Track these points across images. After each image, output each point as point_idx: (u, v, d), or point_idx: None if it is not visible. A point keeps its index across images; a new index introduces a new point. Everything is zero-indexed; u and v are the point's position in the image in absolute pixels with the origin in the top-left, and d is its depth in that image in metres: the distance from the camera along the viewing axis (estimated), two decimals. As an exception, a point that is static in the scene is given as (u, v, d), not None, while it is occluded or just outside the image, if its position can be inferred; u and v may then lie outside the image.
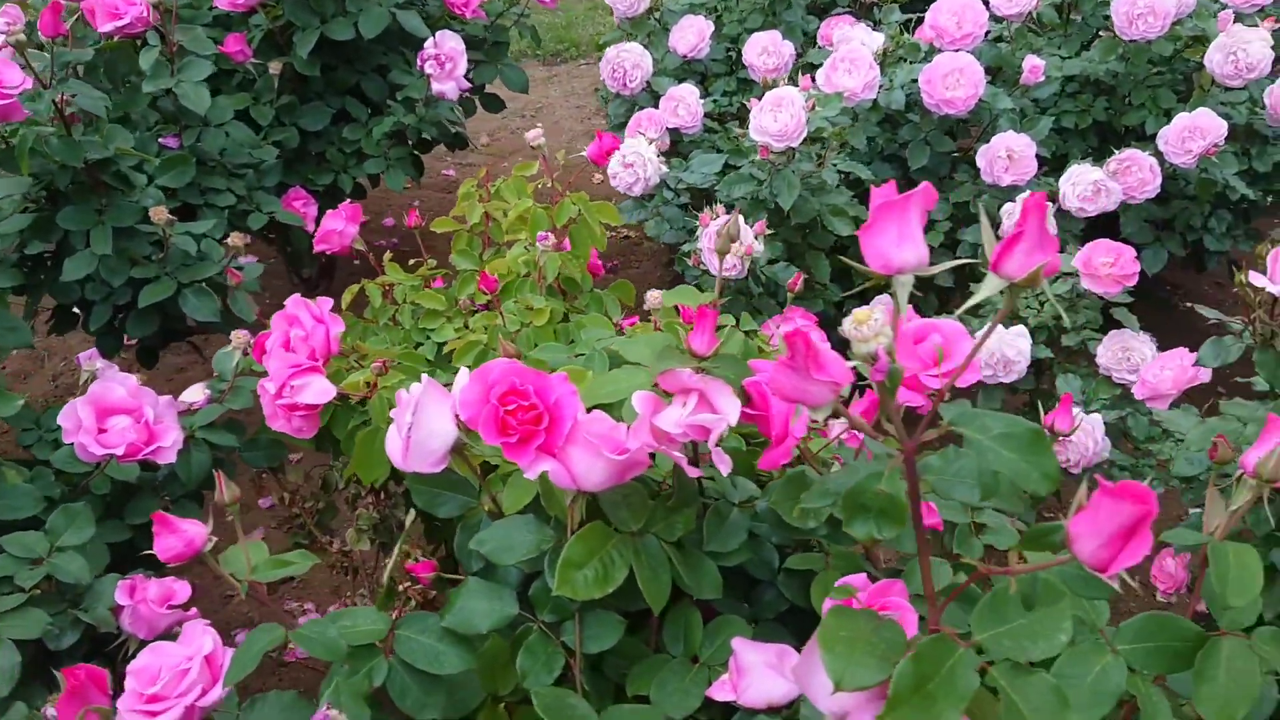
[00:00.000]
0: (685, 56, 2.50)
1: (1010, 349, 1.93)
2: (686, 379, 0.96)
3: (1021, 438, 0.66)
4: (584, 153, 1.90)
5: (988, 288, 0.65)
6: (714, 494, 1.11)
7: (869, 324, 0.63)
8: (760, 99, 1.86)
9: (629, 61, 2.41)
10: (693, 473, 0.98)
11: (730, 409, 0.94)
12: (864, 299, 2.31)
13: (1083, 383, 1.93)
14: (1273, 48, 2.32)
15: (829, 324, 2.40)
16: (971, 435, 0.67)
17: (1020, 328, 1.96)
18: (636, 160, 2.03)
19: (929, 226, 2.30)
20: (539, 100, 4.68)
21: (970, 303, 0.66)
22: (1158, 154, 2.20)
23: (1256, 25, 2.20)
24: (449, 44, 2.23)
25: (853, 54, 2.09)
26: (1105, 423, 1.85)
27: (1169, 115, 2.29)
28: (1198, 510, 1.49)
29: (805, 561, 1.14)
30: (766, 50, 2.38)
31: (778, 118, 1.84)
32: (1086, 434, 1.83)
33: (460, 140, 2.59)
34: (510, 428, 0.94)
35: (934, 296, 2.39)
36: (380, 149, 2.40)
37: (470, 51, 2.73)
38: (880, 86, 2.21)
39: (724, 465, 0.96)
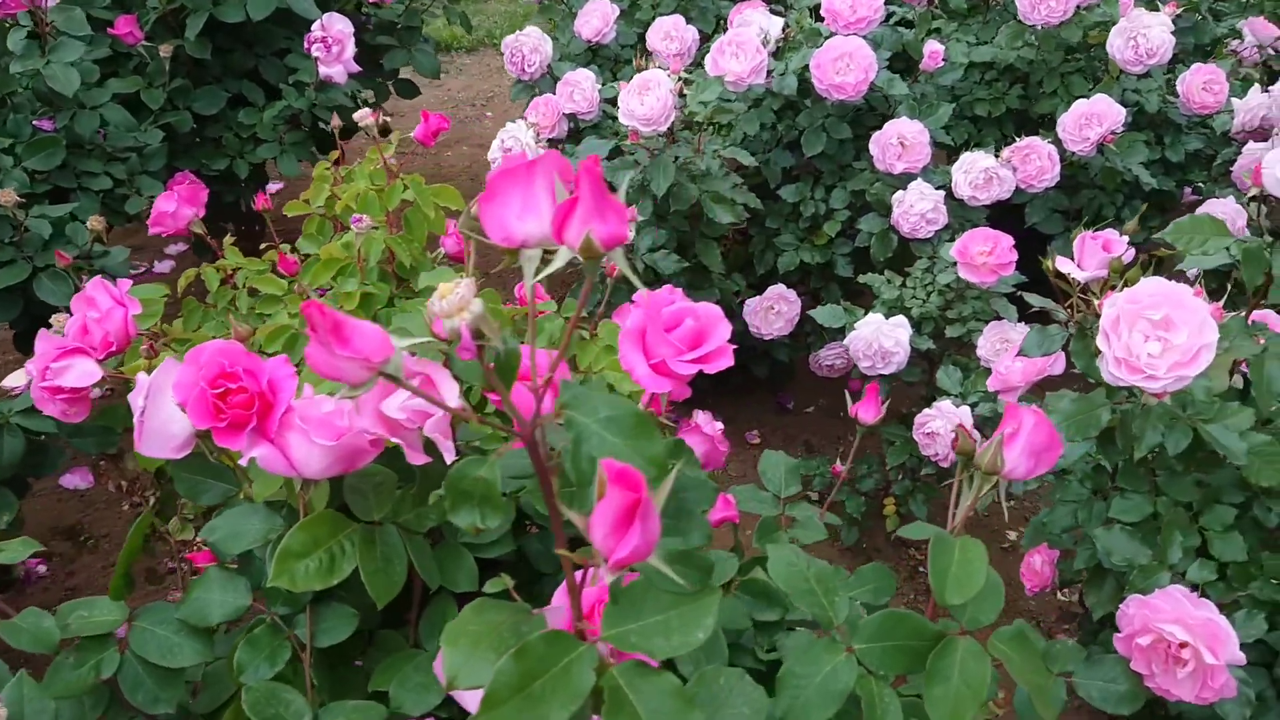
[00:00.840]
0: (590, 41, 2.46)
1: (888, 339, 1.89)
2: (411, 362, 0.92)
3: (625, 421, 0.62)
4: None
5: (560, 258, 0.61)
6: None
7: (450, 298, 0.58)
8: (628, 82, 1.82)
9: (527, 46, 2.36)
10: (416, 459, 0.94)
11: (450, 393, 0.90)
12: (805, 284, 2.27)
13: (963, 375, 1.89)
14: (1174, 33, 2.27)
15: (730, 315, 2.36)
16: (578, 418, 0.62)
17: (900, 318, 1.91)
18: (514, 145, 1.99)
19: (827, 215, 2.27)
20: (491, 89, 4.64)
21: (546, 271, 0.62)
22: (1058, 141, 2.15)
23: (1158, 9, 2.14)
24: (336, 26, 2.19)
25: (739, 38, 2.04)
26: (985, 416, 1.81)
27: (1082, 103, 2.25)
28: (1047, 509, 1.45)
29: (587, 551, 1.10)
30: (669, 35, 2.33)
31: (644, 101, 1.80)
32: (953, 425, 1.78)
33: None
34: (220, 412, 0.90)
35: (836, 286, 2.34)
36: (275, 133, 2.36)
37: (383, 36, 2.70)
38: (776, 72, 2.16)
39: (448, 453, 0.92)
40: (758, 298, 2.21)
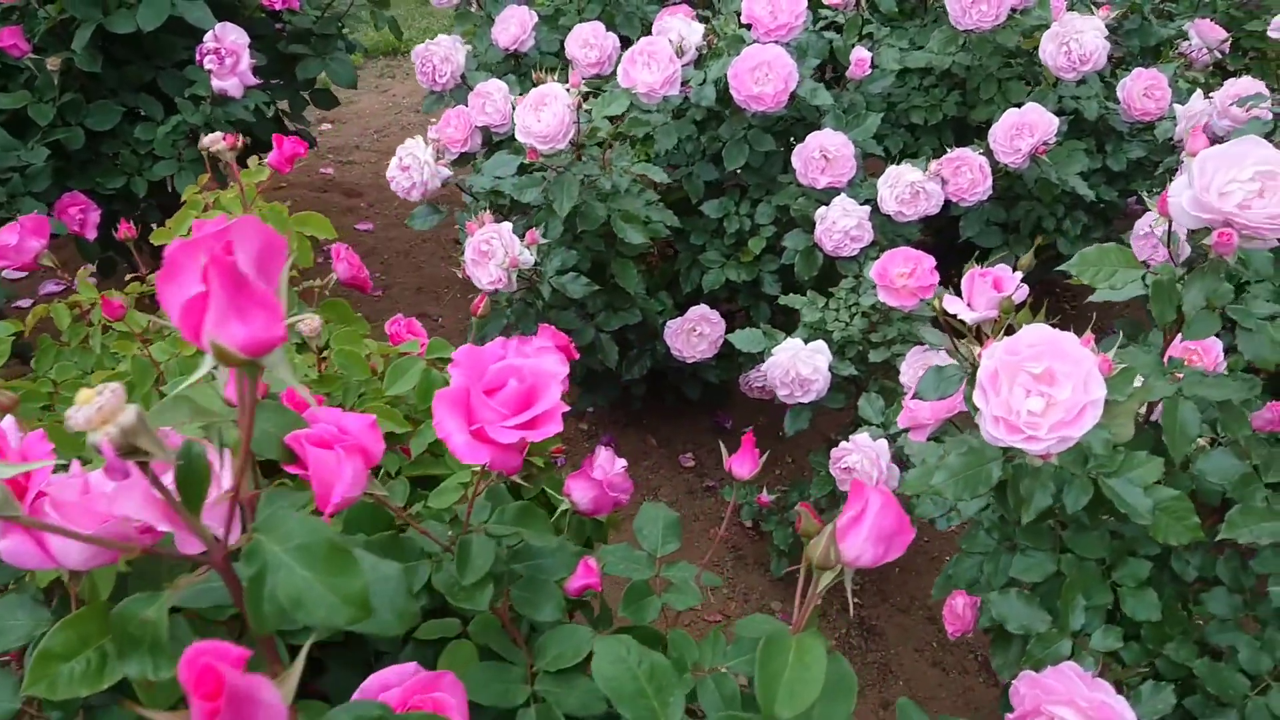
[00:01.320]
0: (508, 49, 2.34)
1: (805, 366, 1.78)
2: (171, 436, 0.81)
3: (318, 551, 0.51)
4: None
5: (204, 366, 0.49)
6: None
7: (88, 408, 0.47)
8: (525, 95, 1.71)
9: (437, 55, 2.25)
10: (188, 548, 0.83)
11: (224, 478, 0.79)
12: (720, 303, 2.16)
13: (885, 403, 1.78)
14: (1119, 35, 2.17)
15: (655, 335, 2.25)
16: (269, 546, 0.51)
17: (818, 344, 1.81)
18: (412, 163, 1.88)
19: (753, 231, 2.17)
20: (437, 94, 4.51)
21: (181, 389, 0.50)
22: (989, 152, 2.05)
23: (1092, 13, 2.04)
24: (230, 37, 2.07)
25: (651, 47, 1.93)
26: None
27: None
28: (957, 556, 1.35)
29: (439, 629, 0.99)
30: (588, 43, 2.22)
31: (540, 117, 1.69)
32: (870, 460, 1.68)
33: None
34: (-41, 498, 0.78)
35: (765, 305, 2.24)
36: (173, 150, 2.24)
37: (296, 45, 2.57)
38: (695, 82, 2.06)
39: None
40: (679, 319, 2.10)
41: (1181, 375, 1.17)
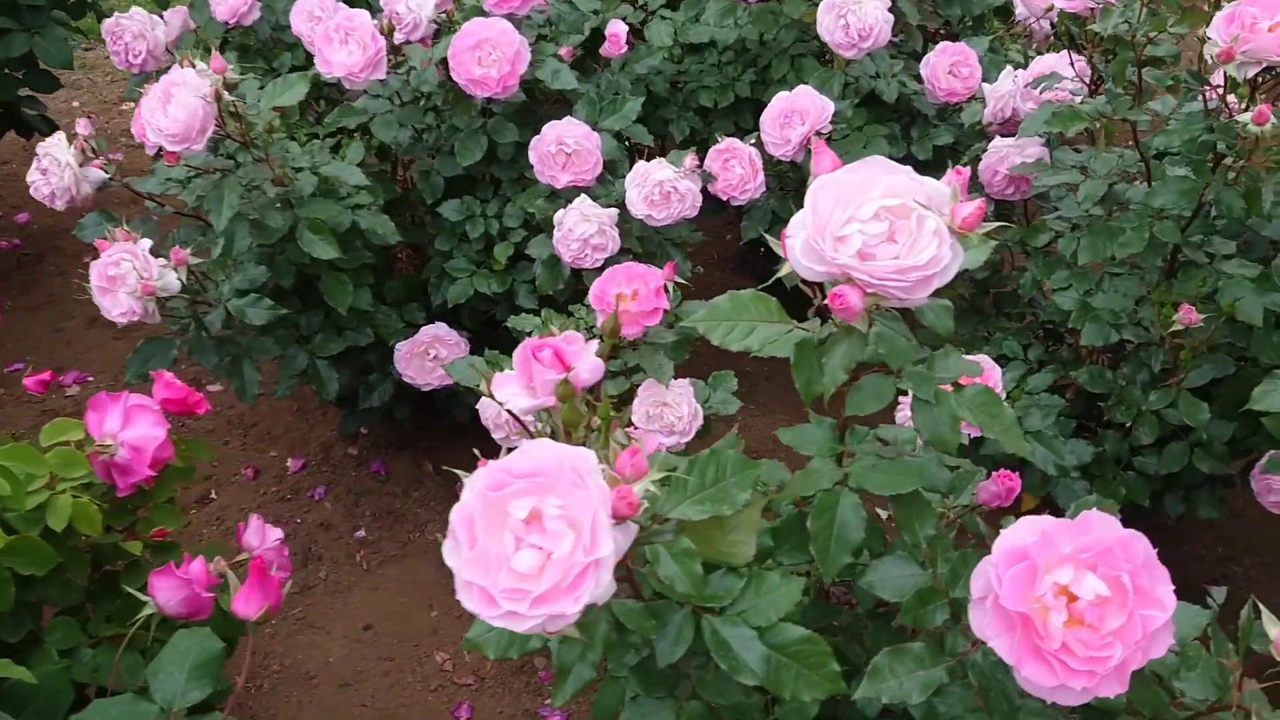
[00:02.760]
0: (228, 23, 2.00)
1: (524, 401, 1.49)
2: None
3: None
4: None
5: None
6: None
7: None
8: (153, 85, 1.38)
9: (130, 31, 1.91)
10: None
11: None
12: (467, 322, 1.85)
13: (615, 447, 1.51)
14: (942, 5, 1.91)
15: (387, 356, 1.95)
16: None
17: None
18: (51, 166, 1.54)
19: (502, 235, 1.87)
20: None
21: None
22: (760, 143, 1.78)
23: (876, -20, 1.77)
24: None
25: (348, 23, 1.62)
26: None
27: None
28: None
29: None
30: (314, 16, 1.89)
31: (169, 111, 1.37)
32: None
33: None
34: None
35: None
36: None
37: (2, 17, 2.21)
38: (417, 62, 1.75)
39: None
40: (408, 342, 1.80)
41: (854, 456, 0.90)
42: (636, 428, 1.50)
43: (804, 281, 0.80)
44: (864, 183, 0.72)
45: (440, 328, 1.81)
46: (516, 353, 0.80)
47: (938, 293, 0.75)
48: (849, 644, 0.96)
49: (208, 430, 2.38)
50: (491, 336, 1.99)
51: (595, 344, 0.81)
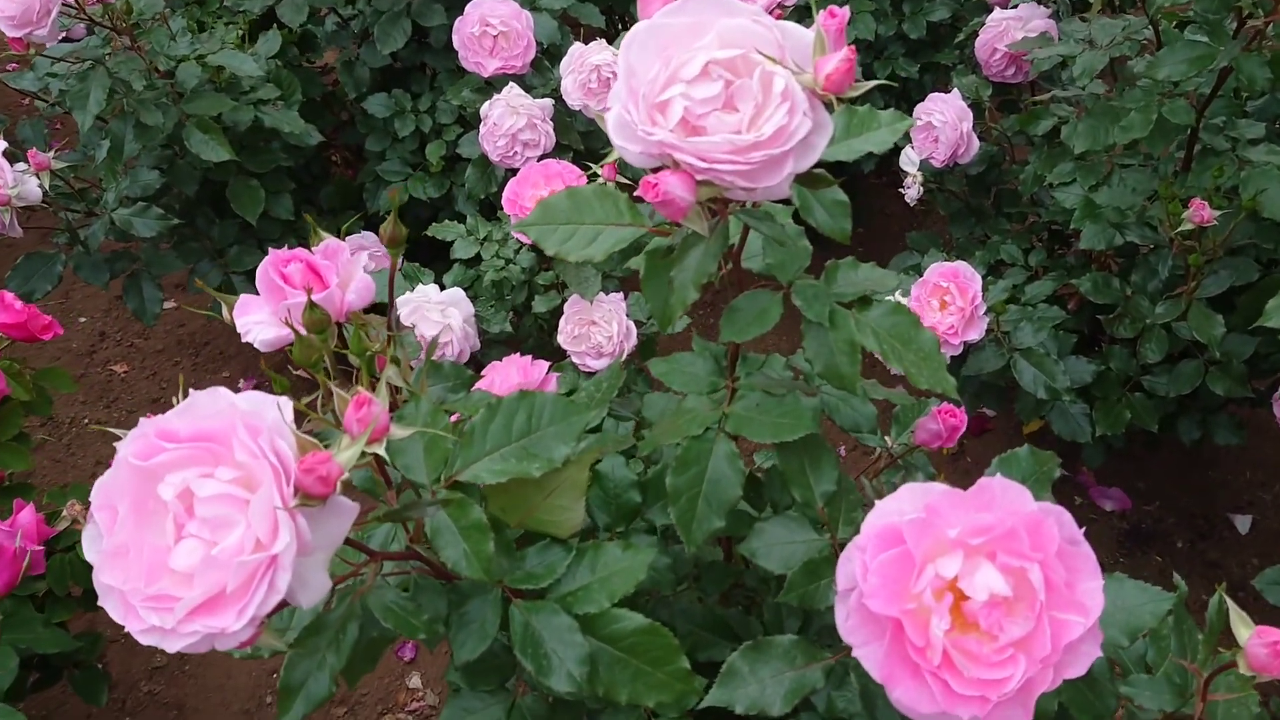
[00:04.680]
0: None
1: (430, 324, 1.33)
2: None
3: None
4: None
5: None
6: None
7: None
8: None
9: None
10: None
11: None
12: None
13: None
14: None
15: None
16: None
17: (454, 292, 1.35)
18: (-94, 60, 1.37)
19: (437, 132, 1.67)
20: None
21: None
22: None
23: None
24: None
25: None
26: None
27: None
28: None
29: None
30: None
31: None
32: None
33: None
34: None
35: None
36: None
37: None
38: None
39: None
40: (330, 254, 1.63)
41: (738, 393, 0.72)
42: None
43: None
44: (692, 29, 0.53)
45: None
46: (260, 268, 0.62)
47: (818, 177, 0.56)
48: (744, 618, 0.79)
49: (157, 351, 2.24)
50: (438, 246, 1.81)
51: (364, 257, 0.63)
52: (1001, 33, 1.57)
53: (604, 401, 0.84)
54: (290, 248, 0.66)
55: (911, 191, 1.60)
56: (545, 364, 0.96)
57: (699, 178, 0.53)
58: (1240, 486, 1.92)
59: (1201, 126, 1.19)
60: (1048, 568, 0.49)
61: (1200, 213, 1.14)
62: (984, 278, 1.49)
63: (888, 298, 0.73)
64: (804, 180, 0.59)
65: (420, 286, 1.36)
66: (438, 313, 1.32)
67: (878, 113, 0.67)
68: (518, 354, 1.01)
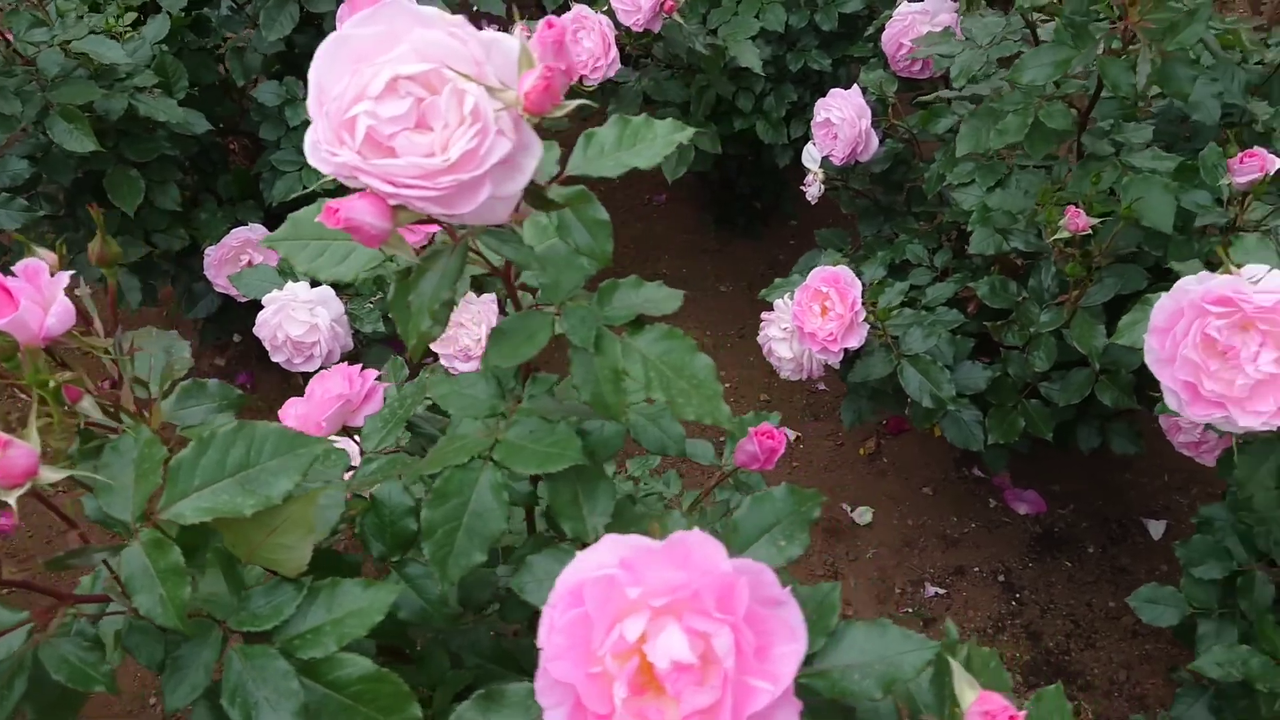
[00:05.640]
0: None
1: (296, 325, 1.28)
2: None
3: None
4: None
5: None
6: None
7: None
8: None
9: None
10: None
11: None
12: None
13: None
14: None
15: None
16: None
17: (323, 290, 1.31)
18: None
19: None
20: None
21: None
22: (611, 12, 1.50)
23: None
24: None
25: None
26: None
27: None
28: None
29: None
30: None
31: None
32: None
33: None
34: None
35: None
36: None
37: None
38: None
39: None
40: (217, 247, 1.58)
41: (515, 419, 0.68)
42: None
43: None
44: (382, 40, 0.49)
45: (256, 230, 1.59)
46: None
47: (575, 195, 0.52)
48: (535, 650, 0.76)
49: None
50: (340, 239, 1.76)
51: (65, 278, 0.59)
52: (908, 27, 1.53)
53: (404, 419, 0.81)
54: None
55: (813, 190, 1.56)
56: (373, 373, 0.92)
57: (391, 202, 0.49)
58: (1155, 490, 1.89)
59: (1074, 130, 1.15)
60: (739, 631, 0.45)
61: (1075, 220, 1.11)
62: (885, 278, 1.46)
63: (660, 323, 0.69)
64: (534, 200, 0.55)
65: (289, 285, 1.32)
66: (305, 312, 1.28)
67: (654, 123, 0.63)
68: (352, 365, 0.96)
